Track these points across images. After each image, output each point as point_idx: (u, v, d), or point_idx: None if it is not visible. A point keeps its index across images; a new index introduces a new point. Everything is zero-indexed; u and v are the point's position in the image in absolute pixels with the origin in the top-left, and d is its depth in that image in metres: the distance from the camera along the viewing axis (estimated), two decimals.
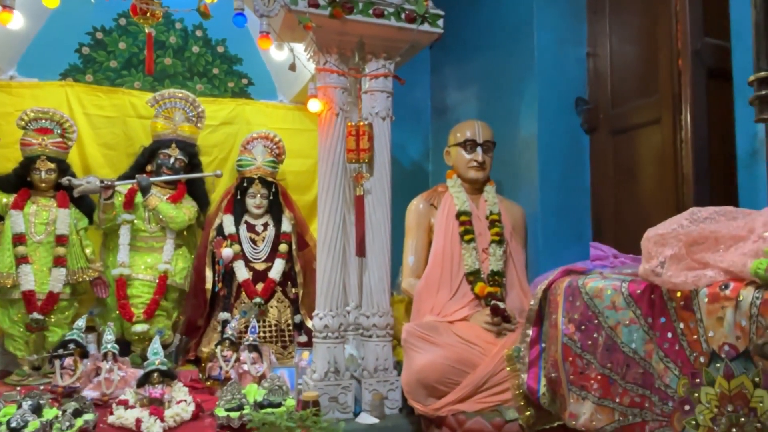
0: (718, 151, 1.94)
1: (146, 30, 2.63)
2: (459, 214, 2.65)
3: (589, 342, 1.36)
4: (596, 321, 1.35)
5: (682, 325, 1.13)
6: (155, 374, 2.42)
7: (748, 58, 1.89)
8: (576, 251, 2.85)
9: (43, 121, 2.90)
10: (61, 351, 2.49)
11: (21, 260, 2.75)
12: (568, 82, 2.91)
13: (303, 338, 3.16)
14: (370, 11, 2.44)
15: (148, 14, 2.51)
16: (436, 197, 2.80)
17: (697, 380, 1.09)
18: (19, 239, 2.77)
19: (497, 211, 2.70)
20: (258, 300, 3.05)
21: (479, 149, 2.70)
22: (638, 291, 1.26)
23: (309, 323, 3.10)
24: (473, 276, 2.54)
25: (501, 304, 2.41)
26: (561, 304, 1.45)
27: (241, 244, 3.17)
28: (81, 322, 2.61)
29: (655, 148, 2.55)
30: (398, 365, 2.59)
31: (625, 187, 2.74)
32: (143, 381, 2.41)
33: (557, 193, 2.87)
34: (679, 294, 1.14)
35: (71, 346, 2.51)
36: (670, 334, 1.15)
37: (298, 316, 3.21)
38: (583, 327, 1.38)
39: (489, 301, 2.45)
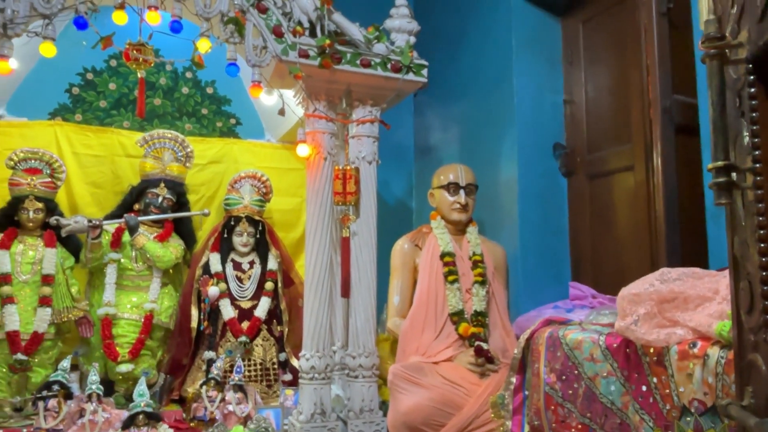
0: (688, 201, 2.05)
1: (139, 75, 2.69)
2: (443, 255, 2.73)
3: (570, 391, 1.43)
4: (576, 372, 1.43)
5: (655, 380, 1.21)
6: (140, 416, 2.43)
7: None
8: (556, 291, 2.94)
9: (33, 161, 2.92)
10: (45, 392, 2.48)
11: (6, 300, 2.74)
12: (546, 128, 3.03)
13: (288, 377, 3.16)
14: (358, 61, 2.54)
15: (140, 60, 2.58)
16: (421, 238, 2.88)
17: None
18: (4, 279, 2.77)
19: (480, 251, 2.78)
20: (243, 338, 3.06)
21: (462, 192, 2.79)
22: (615, 345, 1.34)
23: (294, 361, 3.12)
24: (457, 316, 2.60)
25: (485, 345, 2.47)
26: (543, 354, 1.53)
27: (227, 283, 3.20)
28: (66, 363, 2.60)
29: (630, 193, 2.67)
30: (384, 405, 2.62)
31: (602, 229, 2.84)
32: (128, 423, 2.42)
33: (537, 235, 2.96)
34: (651, 350, 1.22)
35: (55, 387, 2.50)
36: (644, 388, 1.23)
37: (283, 354, 3.23)
38: (564, 377, 1.45)
39: (473, 341, 2.51)
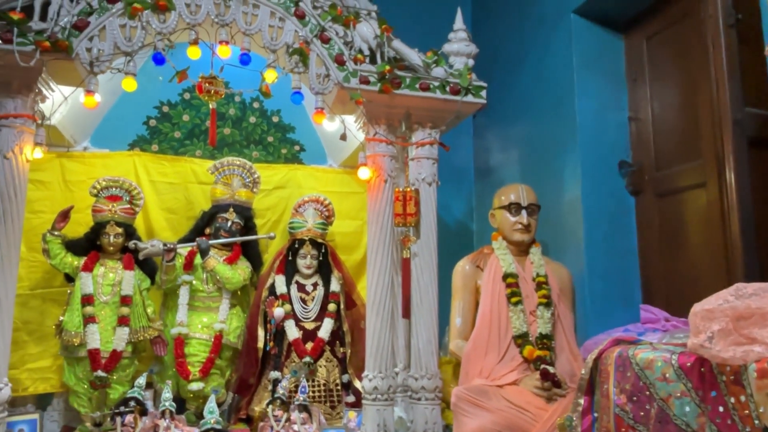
0: (766, 217, 1.95)
1: (211, 106, 2.85)
2: (505, 276, 2.69)
3: (642, 413, 1.38)
4: (648, 392, 1.37)
5: (732, 400, 1.14)
6: None
7: None
8: (625, 314, 2.84)
9: (114, 189, 3.12)
10: (122, 408, 2.61)
11: (88, 320, 2.91)
12: (611, 146, 2.97)
13: (351, 398, 3.18)
14: (417, 85, 2.60)
15: (212, 92, 2.74)
16: (482, 259, 2.86)
17: None
18: (87, 300, 2.94)
19: (544, 273, 2.73)
20: (308, 359, 3.11)
21: (524, 212, 2.76)
22: (688, 364, 1.29)
23: (357, 383, 3.13)
24: (521, 339, 2.55)
25: (551, 369, 2.41)
26: (612, 374, 1.48)
27: (291, 304, 3.27)
28: (142, 380, 2.73)
29: (702, 211, 2.57)
30: (447, 429, 2.59)
31: (674, 249, 2.73)
32: None
33: (604, 255, 2.88)
34: (728, 368, 1.16)
35: (132, 403, 2.62)
36: (721, 408, 1.17)
37: (345, 376, 3.25)
38: (634, 398, 1.40)
39: (538, 365, 2.45)
